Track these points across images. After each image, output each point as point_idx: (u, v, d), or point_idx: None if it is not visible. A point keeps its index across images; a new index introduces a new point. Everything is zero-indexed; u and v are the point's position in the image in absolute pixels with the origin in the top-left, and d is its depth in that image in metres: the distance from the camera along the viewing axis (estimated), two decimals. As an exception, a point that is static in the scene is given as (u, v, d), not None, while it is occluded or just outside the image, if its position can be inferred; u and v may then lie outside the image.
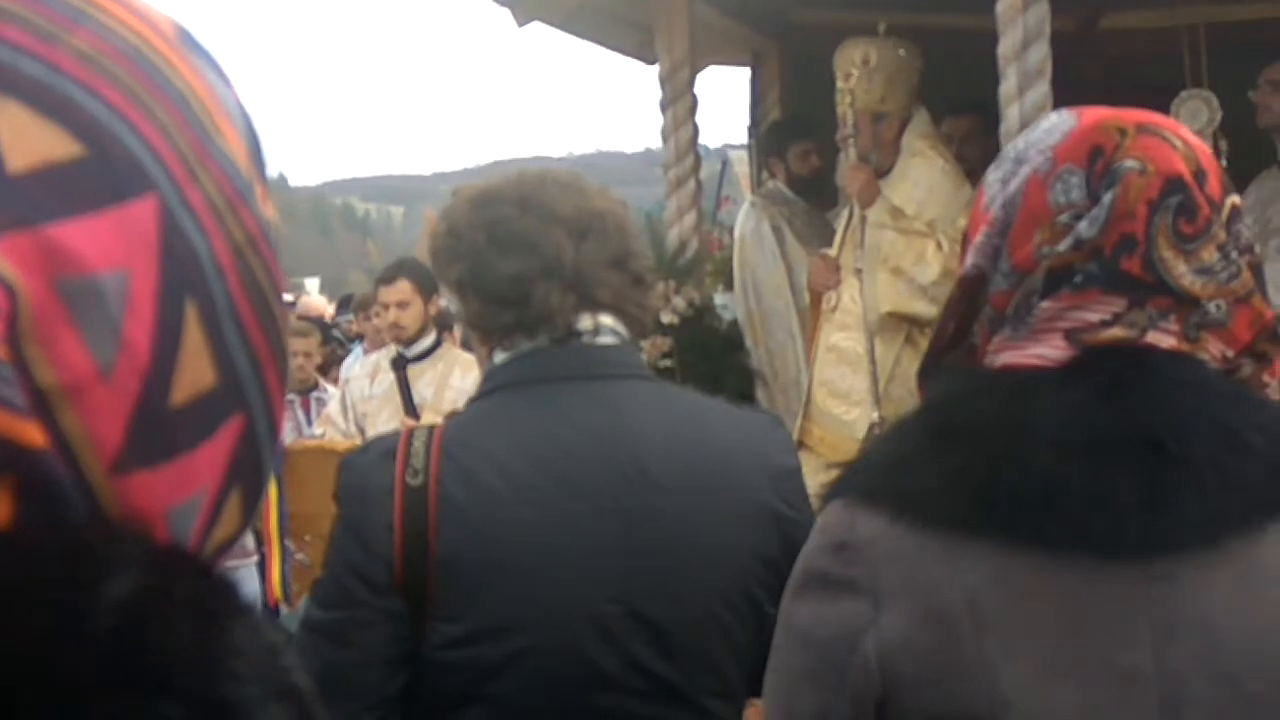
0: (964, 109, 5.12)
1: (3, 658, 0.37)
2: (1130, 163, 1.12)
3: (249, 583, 4.83)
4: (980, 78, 4.45)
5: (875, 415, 4.24)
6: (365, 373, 5.09)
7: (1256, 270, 1.15)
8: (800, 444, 4.29)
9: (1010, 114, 4.04)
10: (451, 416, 1.70)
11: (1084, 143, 1.14)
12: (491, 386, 1.66)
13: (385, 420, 4.69)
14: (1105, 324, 1.11)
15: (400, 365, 4.82)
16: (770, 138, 5.68)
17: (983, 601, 1.07)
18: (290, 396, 5.82)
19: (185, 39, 0.49)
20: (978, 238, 1.19)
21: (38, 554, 0.39)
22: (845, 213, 4.69)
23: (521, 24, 5.56)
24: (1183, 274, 1.11)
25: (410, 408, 4.74)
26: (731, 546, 1.60)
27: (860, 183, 4.42)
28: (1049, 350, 1.12)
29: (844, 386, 4.50)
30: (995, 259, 1.17)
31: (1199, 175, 1.13)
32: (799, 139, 5.34)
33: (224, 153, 0.48)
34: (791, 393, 5.05)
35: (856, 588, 1.11)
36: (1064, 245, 1.12)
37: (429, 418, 4.42)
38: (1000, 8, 4.13)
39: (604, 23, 5.87)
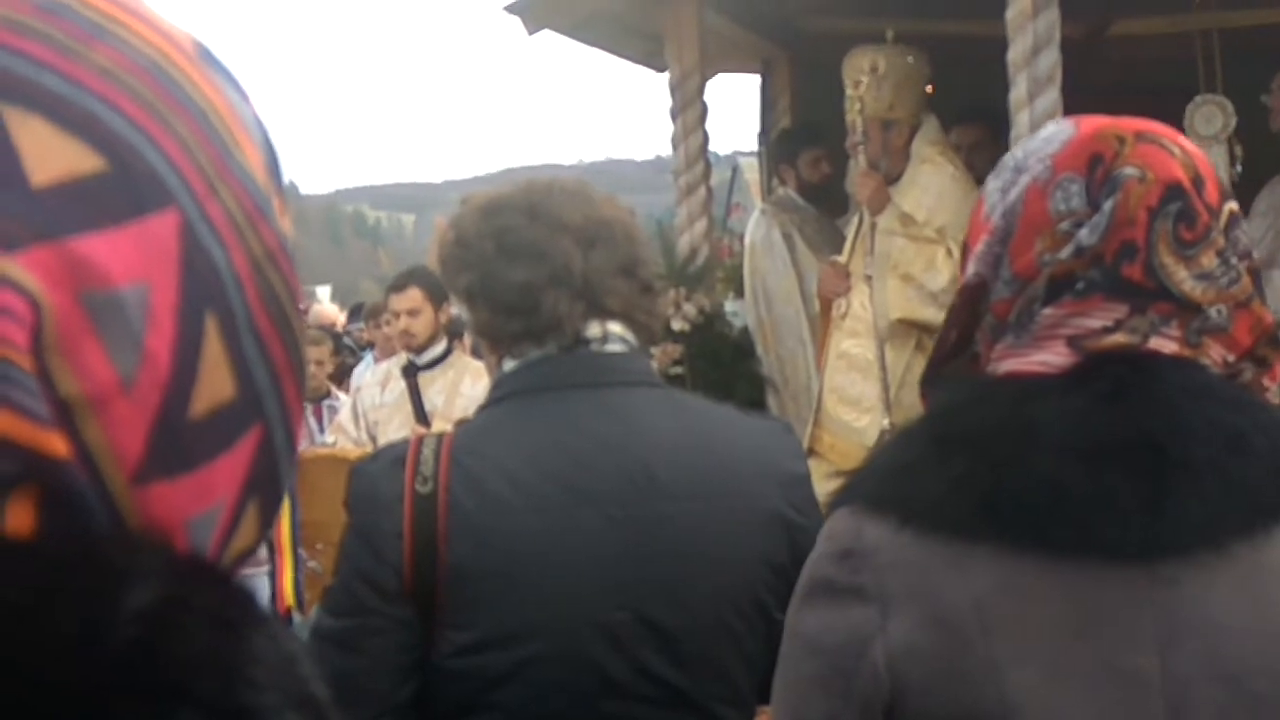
0: (971, 118, 5.12)
1: (25, 666, 0.37)
2: (1130, 170, 1.13)
3: (260, 591, 4.84)
4: (990, 85, 4.45)
5: (886, 422, 4.24)
6: (376, 381, 5.10)
7: (1255, 275, 1.16)
8: (810, 451, 4.28)
9: (1020, 121, 4.04)
10: (461, 424, 1.71)
11: (1083, 151, 1.15)
12: (501, 394, 1.66)
13: (396, 428, 4.69)
14: (1107, 330, 1.12)
15: (411, 373, 4.83)
16: (781, 145, 5.68)
17: (989, 606, 1.07)
18: (302, 404, 5.81)
19: (204, 55, 0.50)
20: (978, 246, 1.20)
21: (60, 564, 0.40)
22: (855, 220, 4.69)
23: (532, 32, 5.57)
24: (1183, 280, 1.11)
25: (421, 415, 4.75)
26: (741, 553, 1.61)
27: (870, 190, 4.42)
28: (1052, 357, 1.13)
29: (854, 393, 4.50)
30: (996, 267, 1.18)
31: (1197, 182, 1.14)
32: (809, 146, 5.34)
33: (243, 167, 0.48)
34: (802, 400, 5.05)
35: (864, 595, 1.12)
36: (1065, 253, 1.13)
37: (440, 425, 4.43)
38: (1010, 14, 4.13)
39: (614, 31, 5.87)
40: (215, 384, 0.46)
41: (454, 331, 4.99)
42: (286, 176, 0.54)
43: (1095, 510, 1.05)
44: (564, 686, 1.54)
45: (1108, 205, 1.12)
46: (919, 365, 4.23)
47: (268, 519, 0.51)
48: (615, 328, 1.65)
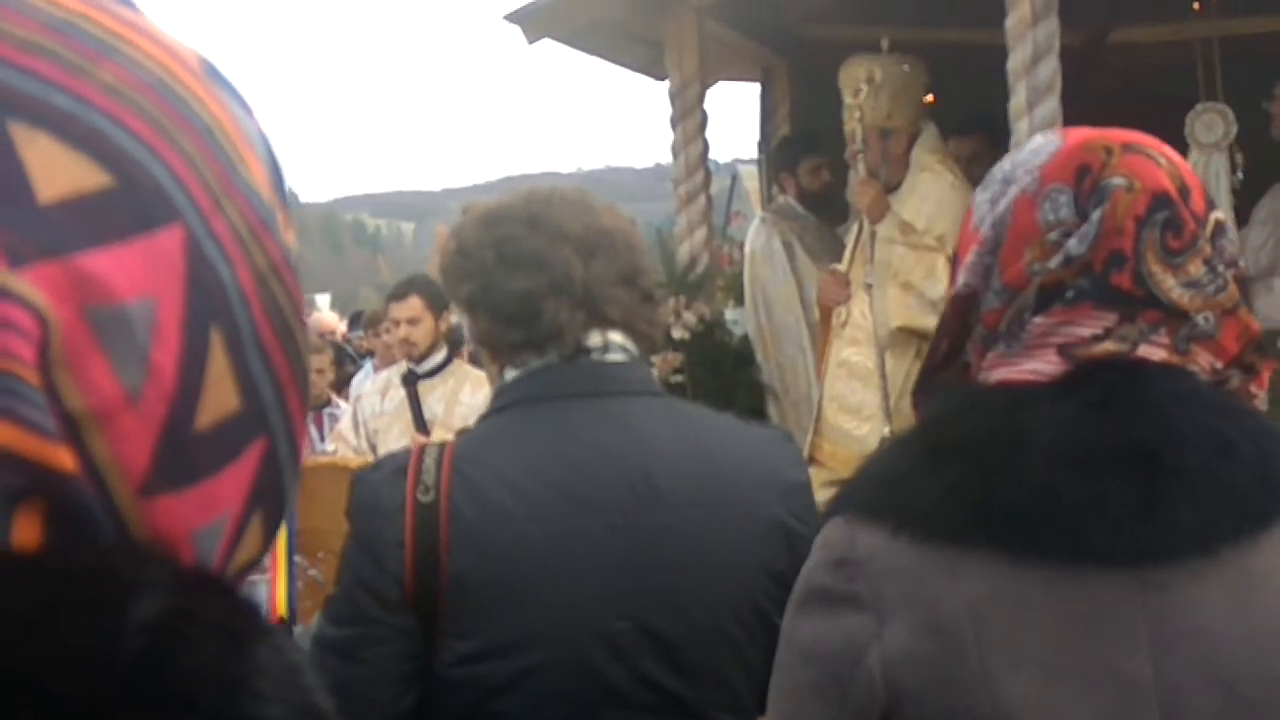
0: (970, 128, 5.13)
1: (34, 679, 0.38)
2: (1118, 180, 1.14)
3: (261, 599, 4.83)
4: (990, 93, 4.46)
5: (886, 430, 4.24)
6: (376, 389, 5.10)
7: (1242, 283, 1.17)
8: (811, 459, 4.29)
9: (1020, 129, 4.05)
10: (463, 433, 1.71)
11: (1071, 162, 1.17)
12: (502, 404, 1.67)
13: (396, 437, 4.69)
14: (1097, 338, 1.13)
15: (411, 381, 4.83)
16: (781, 153, 5.69)
17: (984, 613, 1.08)
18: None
19: (210, 72, 0.50)
20: (968, 257, 1.21)
21: (68, 576, 0.40)
22: (855, 228, 4.70)
23: (532, 41, 5.58)
24: (1171, 288, 1.13)
25: (421, 424, 4.75)
26: (741, 561, 1.61)
27: (869, 198, 4.43)
28: (1042, 365, 1.14)
29: (854, 401, 4.50)
30: (987, 277, 1.19)
31: (1184, 192, 1.15)
32: (809, 154, 5.34)
33: (247, 182, 0.49)
34: (802, 408, 5.05)
35: (859, 603, 1.12)
36: (1055, 262, 1.14)
37: (440, 434, 4.43)
38: (1010, 23, 4.14)
39: (614, 39, 5.88)
40: (220, 397, 0.46)
41: (455, 341, 4.99)
42: (286, 186, 0.54)
43: (1087, 517, 1.06)
44: (565, 695, 1.54)
45: (1096, 215, 1.13)
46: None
47: (272, 530, 0.52)
48: (616, 337, 1.66)
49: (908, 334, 4.32)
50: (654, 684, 1.57)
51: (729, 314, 5.43)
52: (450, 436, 1.72)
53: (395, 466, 1.60)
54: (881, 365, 4.33)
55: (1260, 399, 1.18)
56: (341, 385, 7.42)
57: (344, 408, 5.91)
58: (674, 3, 5.28)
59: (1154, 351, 1.13)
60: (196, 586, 0.43)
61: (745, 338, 5.27)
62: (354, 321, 10.20)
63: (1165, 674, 1.06)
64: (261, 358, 0.48)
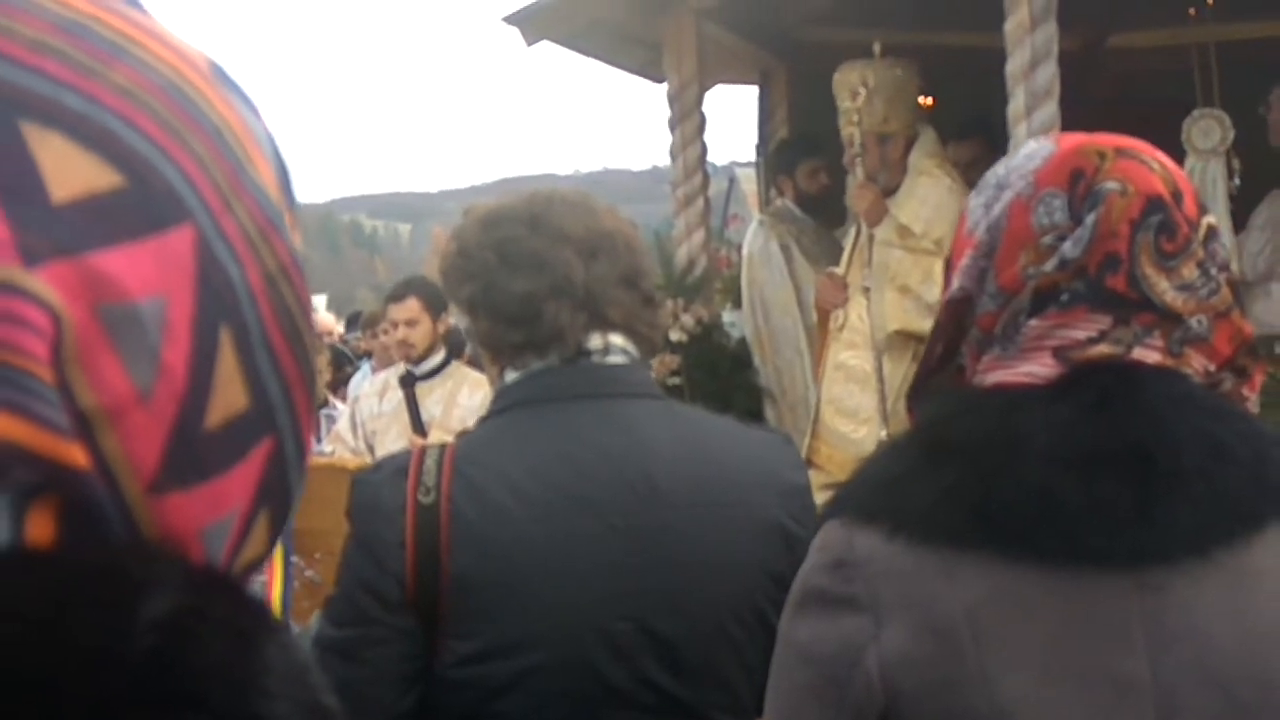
0: (968, 133, 5.13)
1: (44, 677, 0.38)
2: (1111, 184, 1.15)
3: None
4: (989, 97, 4.47)
5: (883, 433, 4.24)
6: (374, 391, 5.10)
7: (1234, 287, 1.18)
8: (808, 462, 4.29)
9: (1019, 133, 4.06)
10: (463, 435, 1.71)
11: (1064, 167, 1.18)
12: (503, 405, 1.67)
13: (394, 438, 4.69)
14: (1092, 341, 1.14)
15: (409, 383, 4.83)
16: (779, 156, 5.69)
17: (981, 614, 1.09)
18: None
19: (219, 74, 0.51)
20: (963, 261, 1.22)
21: (80, 574, 0.41)
22: (853, 231, 4.71)
23: (530, 43, 5.58)
24: (1165, 290, 1.14)
25: (418, 425, 4.75)
26: (741, 562, 1.61)
27: (867, 202, 4.43)
28: (1038, 368, 1.15)
29: (852, 404, 4.51)
30: (981, 281, 1.20)
31: (1176, 196, 1.16)
32: (808, 157, 5.35)
33: (256, 183, 0.49)
34: (799, 410, 5.05)
35: (856, 604, 1.13)
36: (1049, 265, 1.15)
37: (437, 435, 4.43)
38: (1008, 27, 4.15)
39: (612, 41, 5.89)
40: (229, 396, 0.47)
41: (455, 344, 4.99)
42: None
43: (1084, 519, 1.07)
44: (566, 696, 1.55)
45: (1090, 219, 1.14)
46: (916, 377, 4.25)
47: (278, 528, 0.52)
48: (617, 339, 1.66)
49: (905, 337, 4.33)
50: (654, 684, 1.57)
51: (726, 317, 5.44)
52: (448, 438, 1.72)
53: (396, 467, 1.61)
54: (879, 368, 4.34)
55: (1252, 401, 1.19)
56: (339, 386, 7.42)
57: (341, 409, 5.91)
58: (672, 5, 5.28)
59: (1148, 354, 1.14)
60: (206, 585, 0.44)
61: (743, 340, 5.27)
62: (351, 323, 10.19)
63: (1161, 675, 1.07)
64: (270, 358, 0.48)
